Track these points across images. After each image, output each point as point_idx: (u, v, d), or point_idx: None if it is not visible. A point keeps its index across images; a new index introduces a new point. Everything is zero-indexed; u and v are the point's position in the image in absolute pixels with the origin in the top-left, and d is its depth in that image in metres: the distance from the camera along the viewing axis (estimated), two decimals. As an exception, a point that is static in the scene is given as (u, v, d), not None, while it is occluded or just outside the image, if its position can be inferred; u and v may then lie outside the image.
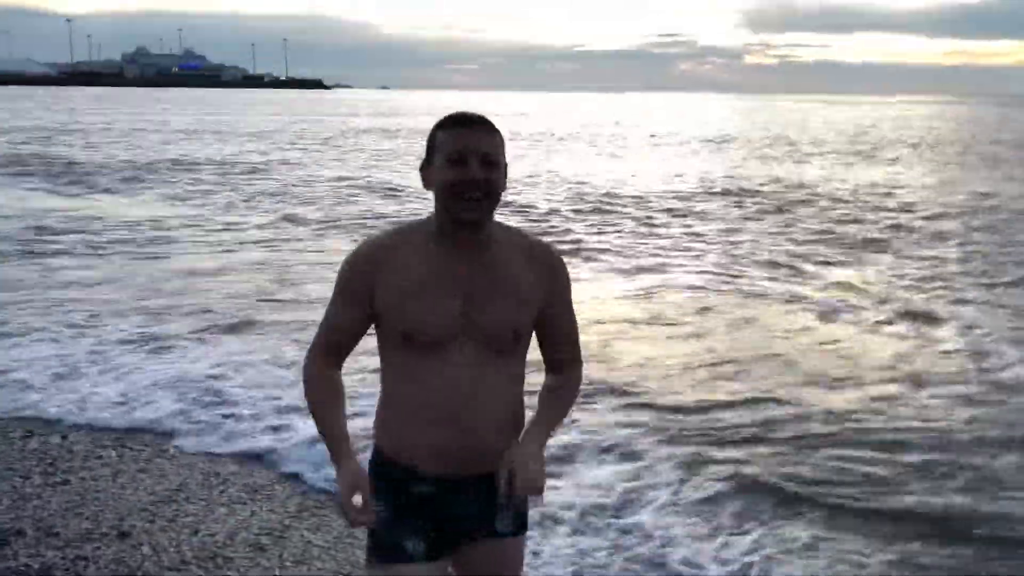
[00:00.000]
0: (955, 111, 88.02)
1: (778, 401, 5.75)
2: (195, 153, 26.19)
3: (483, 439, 2.00)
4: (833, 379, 6.28)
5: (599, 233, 12.83)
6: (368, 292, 1.98)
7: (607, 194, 17.22)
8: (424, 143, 2.00)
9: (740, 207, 15.66)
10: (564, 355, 2.14)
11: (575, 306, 2.13)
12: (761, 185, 19.01)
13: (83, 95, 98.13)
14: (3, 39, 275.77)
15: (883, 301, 8.56)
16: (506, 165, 1.97)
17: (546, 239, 2.26)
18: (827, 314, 8.13)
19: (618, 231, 13.03)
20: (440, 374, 1.96)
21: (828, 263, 10.54)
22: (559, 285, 2.06)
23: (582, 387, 2.23)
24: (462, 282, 1.95)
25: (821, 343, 7.23)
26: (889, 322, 7.90)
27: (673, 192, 17.73)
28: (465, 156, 1.87)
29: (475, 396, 1.98)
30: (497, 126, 1.97)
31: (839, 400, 5.82)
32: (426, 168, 1.97)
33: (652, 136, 39.40)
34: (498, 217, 2.00)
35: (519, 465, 1.92)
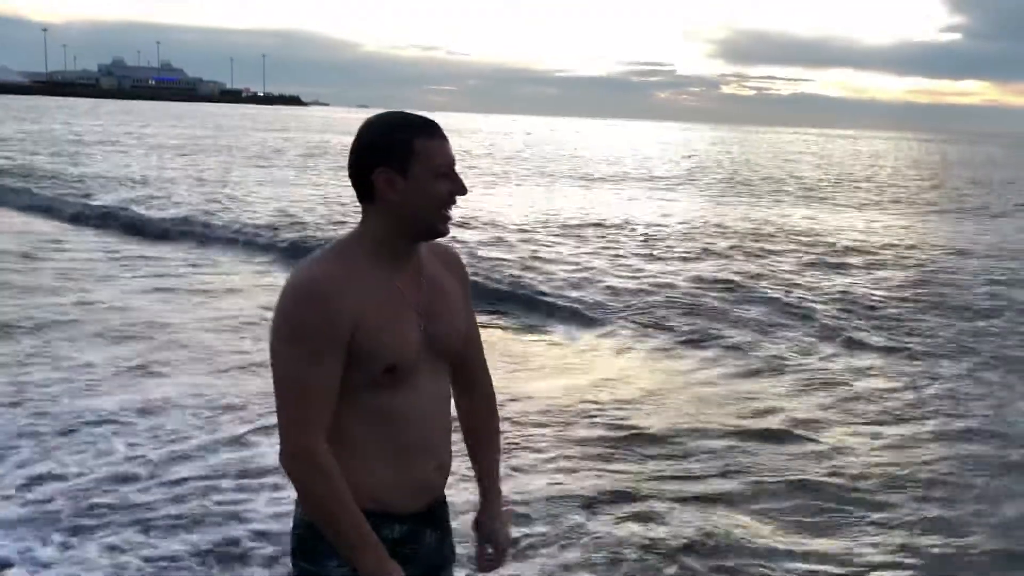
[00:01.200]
0: (919, 147, 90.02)
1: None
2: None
3: (448, 462, 1.93)
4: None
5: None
6: (346, 338, 1.70)
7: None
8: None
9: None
10: (478, 366, 2.03)
11: None
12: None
13: (53, 104, 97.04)
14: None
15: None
16: None
17: None
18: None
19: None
20: (413, 405, 1.82)
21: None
22: (469, 288, 2.00)
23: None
24: (416, 302, 1.82)
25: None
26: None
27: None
28: (452, 167, 1.78)
29: (441, 418, 1.89)
30: None
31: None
32: (391, 178, 1.72)
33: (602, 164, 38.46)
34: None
35: (504, 542, 2.00)
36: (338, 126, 75.29)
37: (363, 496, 1.76)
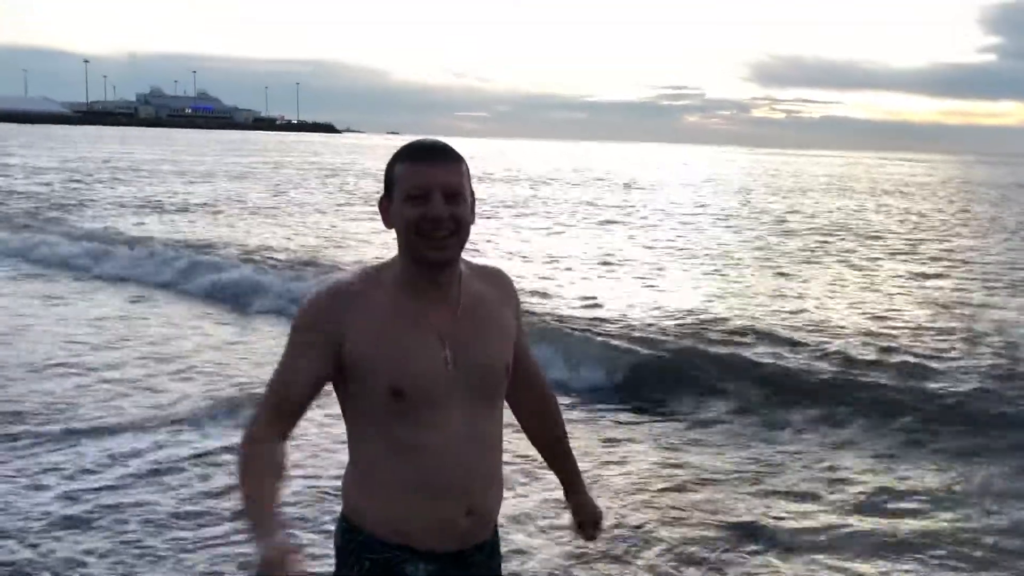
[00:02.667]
0: (950, 169, 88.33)
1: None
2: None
3: (490, 509, 1.84)
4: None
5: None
6: (334, 342, 1.71)
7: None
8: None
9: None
10: (534, 370, 2.05)
11: None
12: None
13: (93, 134, 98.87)
14: (21, 78, 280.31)
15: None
16: (473, 196, 1.80)
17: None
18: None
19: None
20: (437, 440, 1.73)
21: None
22: (518, 305, 1.97)
23: None
24: (444, 328, 1.76)
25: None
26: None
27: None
28: (428, 191, 1.69)
29: (477, 458, 1.78)
30: (460, 154, 1.78)
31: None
32: (385, 204, 1.78)
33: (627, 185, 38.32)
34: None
35: (596, 513, 2.11)
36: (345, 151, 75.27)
37: (385, 526, 1.75)
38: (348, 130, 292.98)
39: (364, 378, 1.73)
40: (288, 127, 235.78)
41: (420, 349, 1.74)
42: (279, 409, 1.74)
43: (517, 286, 1.99)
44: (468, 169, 1.79)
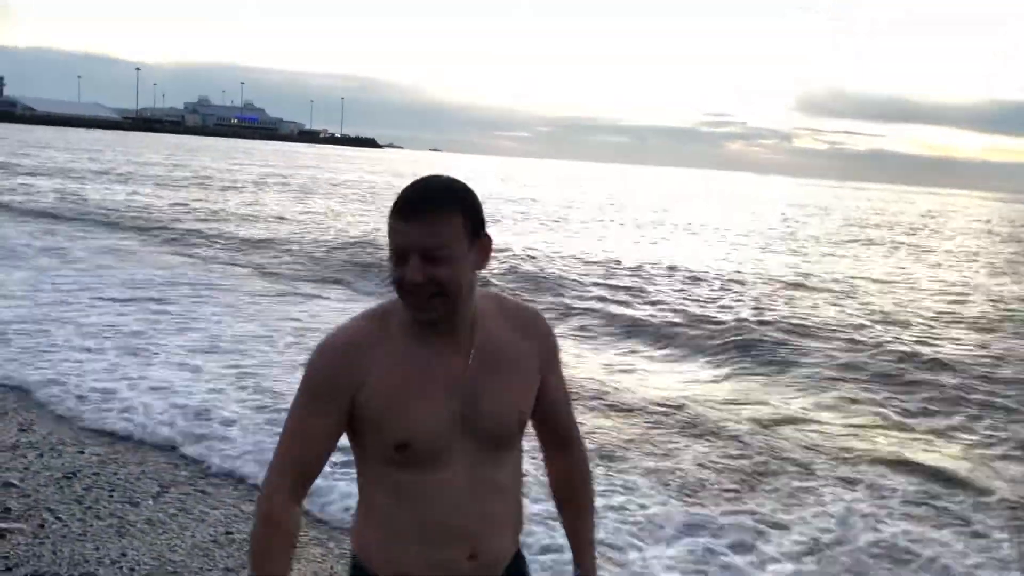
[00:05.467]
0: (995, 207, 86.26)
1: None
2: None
3: (497, 552, 1.78)
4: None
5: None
6: (347, 396, 1.65)
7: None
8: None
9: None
10: (565, 431, 1.90)
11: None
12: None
13: (137, 141, 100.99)
14: (76, 83, 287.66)
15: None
16: (481, 239, 1.64)
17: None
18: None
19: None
20: (442, 489, 1.68)
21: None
22: (552, 351, 1.83)
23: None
24: (453, 377, 1.68)
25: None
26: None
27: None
28: (406, 252, 1.58)
29: (484, 507, 1.72)
30: (459, 199, 1.62)
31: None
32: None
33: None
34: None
35: None
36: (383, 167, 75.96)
37: (389, 567, 1.74)
38: (391, 146, 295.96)
39: (371, 432, 1.68)
40: (331, 140, 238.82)
41: (427, 404, 1.66)
42: (297, 476, 1.69)
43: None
44: (469, 215, 1.62)
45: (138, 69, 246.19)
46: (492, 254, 1.70)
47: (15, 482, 4.75)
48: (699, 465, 5.83)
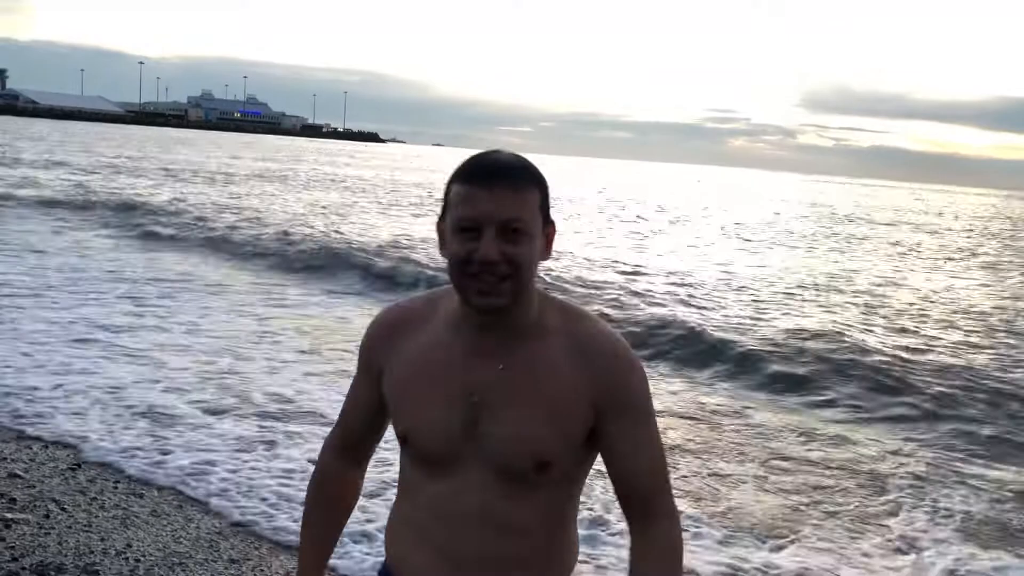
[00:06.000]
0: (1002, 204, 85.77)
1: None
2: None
3: None
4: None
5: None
6: (377, 371, 1.61)
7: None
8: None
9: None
10: (636, 500, 1.51)
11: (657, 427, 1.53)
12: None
13: (139, 135, 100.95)
14: (79, 77, 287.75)
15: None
16: (551, 226, 1.49)
17: (618, 330, 1.58)
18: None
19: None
20: (444, 503, 1.52)
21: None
22: (621, 393, 1.47)
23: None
24: (478, 384, 1.48)
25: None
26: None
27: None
28: (479, 224, 1.41)
29: (486, 542, 1.51)
30: (534, 175, 1.46)
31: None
32: (441, 227, 1.51)
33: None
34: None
35: None
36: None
37: (390, 558, 1.68)
38: (393, 140, 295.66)
39: (391, 413, 1.64)
40: (334, 135, 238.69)
41: (437, 401, 1.51)
42: (344, 438, 1.73)
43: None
44: (543, 194, 1.47)
45: (141, 63, 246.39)
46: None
47: (20, 473, 4.78)
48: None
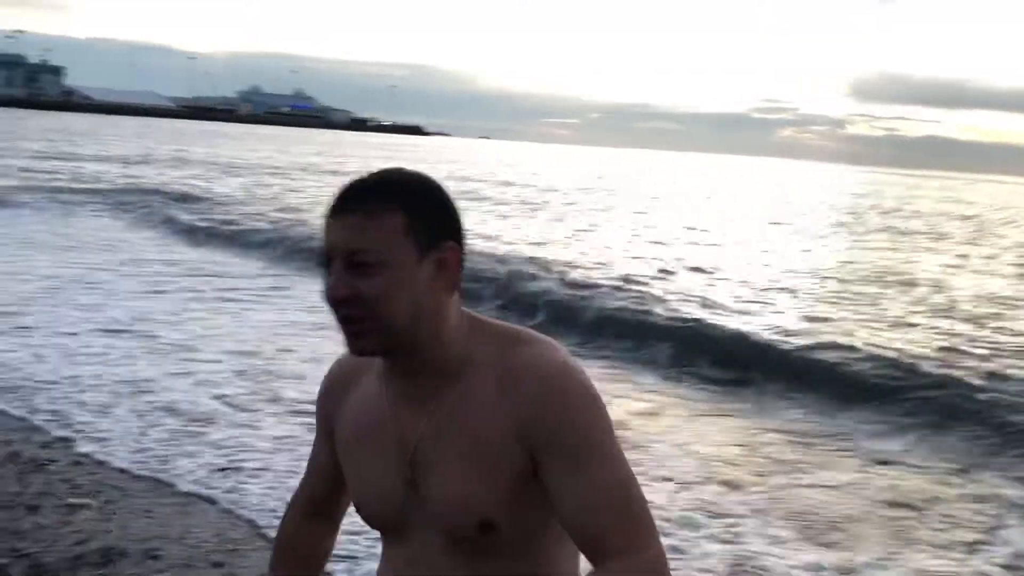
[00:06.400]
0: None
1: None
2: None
3: None
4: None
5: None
6: (331, 431, 1.44)
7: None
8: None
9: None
10: (589, 544, 1.24)
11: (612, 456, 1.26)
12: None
13: (189, 129, 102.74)
14: (131, 72, 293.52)
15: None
16: (438, 251, 1.23)
17: (555, 352, 1.29)
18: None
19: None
20: (402, 570, 1.35)
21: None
22: (551, 426, 1.22)
23: None
24: (410, 439, 1.29)
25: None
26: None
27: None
28: (329, 258, 1.22)
29: None
30: (399, 195, 1.23)
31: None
32: None
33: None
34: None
35: None
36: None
37: None
38: (439, 133, 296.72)
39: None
40: (379, 128, 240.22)
41: (376, 462, 1.33)
42: (309, 500, 1.56)
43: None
44: (417, 215, 1.22)
45: (192, 58, 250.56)
46: (461, 271, 1.26)
47: (81, 460, 4.94)
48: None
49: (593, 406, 1.25)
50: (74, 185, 22.60)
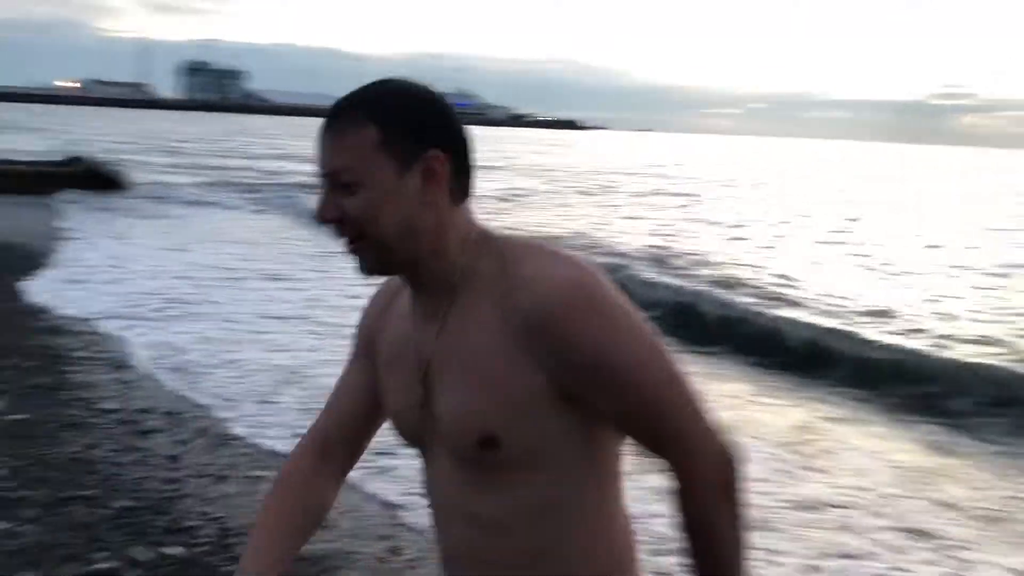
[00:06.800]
0: None
1: None
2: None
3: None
4: None
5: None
6: (367, 348, 1.38)
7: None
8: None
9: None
10: (657, 449, 1.20)
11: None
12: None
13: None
14: (308, 76, 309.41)
15: None
16: (417, 162, 1.18)
17: (572, 255, 1.23)
18: None
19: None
20: (431, 491, 1.33)
21: None
22: (565, 348, 1.15)
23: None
24: (425, 354, 1.26)
25: None
26: None
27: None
28: (321, 176, 1.21)
29: (471, 539, 1.26)
30: (365, 109, 1.18)
31: None
32: None
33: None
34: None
35: None
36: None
37: None
38: (595, 127, 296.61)
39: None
40: (535, 123, 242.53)
41: (399, 379, 1.30)
42: (318, 426, 1.43)
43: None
44: (392, 128, 1.17)
45: (360, 60, 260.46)
46: (443, 175, 1.19)
47: (240, 434, 5.31)
48: None
49: (603, 317, 1.15)
50: (260, 181, 24.17)
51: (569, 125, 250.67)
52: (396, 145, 1.17)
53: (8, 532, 3.69)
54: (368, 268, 1.22)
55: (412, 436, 1.31)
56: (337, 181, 1.17)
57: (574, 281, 1.16)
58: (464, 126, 1.23)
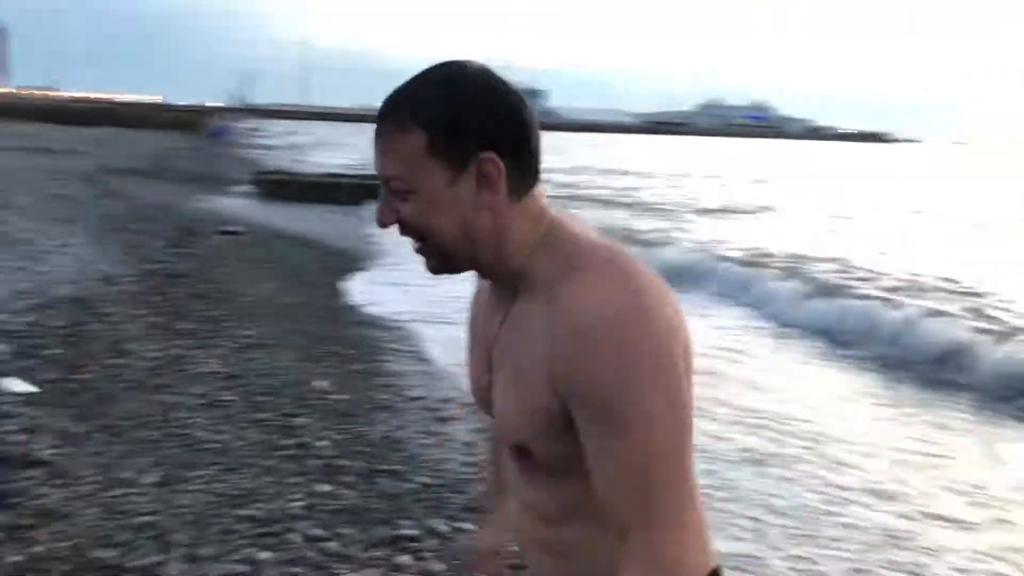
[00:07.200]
0: None
1: None
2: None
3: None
4: None
5: None
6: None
7: None
8: None
9: None
10: (610, 522, 1.13)
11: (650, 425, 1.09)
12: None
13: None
14: (604, 92, 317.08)
15: None
16: (472, 162, 1.14)
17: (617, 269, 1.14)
18: None
19: None
20: (507, 474, 1.38)
21: None
22: (577, 381, 1.10)
23: None
24: (492, 345, 1.27)
25: None
26: None
27: None
28: (383, 183, 1.19)
29: (525, 523, 1.31)
30: (412, 113, 1.14)
31: None
32: None
33: None
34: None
35: None
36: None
37: None
38: (908, 140, 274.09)
39: None
40: (838, 136, 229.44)
41: (475, 354, 1.34)
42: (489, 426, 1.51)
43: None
44: (436, 130, 1.13)
45: (652, 76, 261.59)
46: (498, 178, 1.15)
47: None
48: None
49: (634, 364, 1.07)
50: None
51: (875, 138, 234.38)
52: (445, 150, 1.13)
53: (331, 494, 4.19)
54: (434, 268, 1.22)
55: (486, 411, 1.32)
56: (392, 188, 1.16)
57: (612, 310, 1.08)
58: (524, 115, 1.17)
